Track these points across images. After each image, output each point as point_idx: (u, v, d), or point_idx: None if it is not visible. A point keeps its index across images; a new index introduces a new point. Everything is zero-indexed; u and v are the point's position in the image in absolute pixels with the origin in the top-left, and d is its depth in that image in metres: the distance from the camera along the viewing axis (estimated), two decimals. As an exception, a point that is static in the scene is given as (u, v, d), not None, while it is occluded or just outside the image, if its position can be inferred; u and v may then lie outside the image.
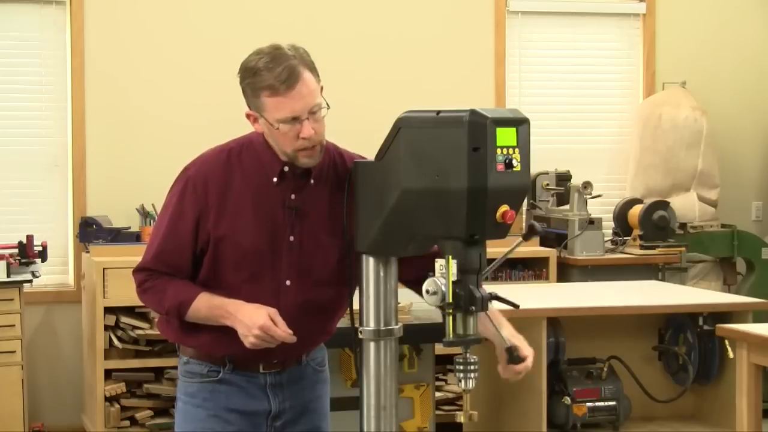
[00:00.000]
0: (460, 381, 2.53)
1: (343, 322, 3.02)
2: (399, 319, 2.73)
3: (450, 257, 2.45)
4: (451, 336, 2.47)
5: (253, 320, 2.79)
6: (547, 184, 6.87)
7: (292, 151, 2.83)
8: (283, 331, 2.79)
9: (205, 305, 2.88)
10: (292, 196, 2.90)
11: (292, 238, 2.89)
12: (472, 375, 2.52)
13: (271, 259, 2.88)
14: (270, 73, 2.77)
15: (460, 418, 2.61)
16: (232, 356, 2.93)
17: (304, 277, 2.91)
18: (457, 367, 2.52)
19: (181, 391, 3.03)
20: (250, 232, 2.87)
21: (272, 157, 2.89)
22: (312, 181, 2.91)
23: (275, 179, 2.89)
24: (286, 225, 2.89)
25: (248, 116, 2.89)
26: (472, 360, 2.51)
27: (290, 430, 3.01)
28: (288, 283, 2.90)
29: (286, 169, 2.89)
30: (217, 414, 2.95)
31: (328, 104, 2.85)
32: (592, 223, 6.57)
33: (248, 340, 2.80)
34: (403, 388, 4.29)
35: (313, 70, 2.83)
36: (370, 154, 2.74)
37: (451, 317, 2.46)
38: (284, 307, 2.87)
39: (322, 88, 2.87)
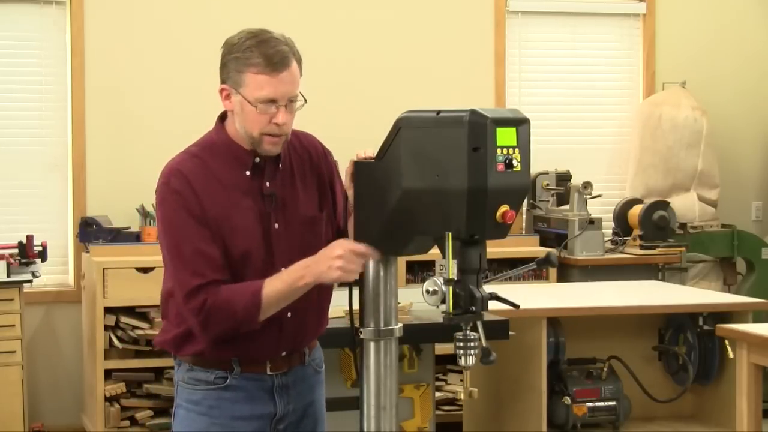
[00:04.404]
0: (460, 358, 2.52)
1: (343, 322, 3.01)
2: (399, 319, 2.73)
3: (450, 252, 2.44)
4: (452, 310, 2.46)
5: (333, 252, 2.69)
6: (547, 184, 6.87)
7: (259, 134, 2.82)
8: (363, 247, 2.68)
9: (278, 280, 2.77)
10: (267, 184, 2.88)
11: (276, 225, 2.87)
12: (472, 352, 2.52)
13: (265, 252, 2.85)
14: (262, 51, 2.80)
15: (461, 395, 2.61)
16: (240, 356, 2.87)
17: (296, 261, 2.83)
18: (457, 344, 2.51)
19: (182, 398, 2.98)
20: (241, 232, 2.83)
21: (240, 152, 2.88)
22: (280, 166, 2.90)
23: (248, 172, 2.87)
24: (270, 214, 2.87)
25: (221, 91, 2.91)
26: (471, 337, 2.50)
27: None
28: (283, 270, 2.84)
29: (257, 159, 2.87)
30: (222, 422, 2.91)
31: (305, 99, 2.85)
32: (592, 223, 6.57)
33: (335, 265, 2.66)
34: (403, 388, 4.29)
35: (299, 61, 2.85)
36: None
37: (451, 290, 2.45)
38: None
39: None
